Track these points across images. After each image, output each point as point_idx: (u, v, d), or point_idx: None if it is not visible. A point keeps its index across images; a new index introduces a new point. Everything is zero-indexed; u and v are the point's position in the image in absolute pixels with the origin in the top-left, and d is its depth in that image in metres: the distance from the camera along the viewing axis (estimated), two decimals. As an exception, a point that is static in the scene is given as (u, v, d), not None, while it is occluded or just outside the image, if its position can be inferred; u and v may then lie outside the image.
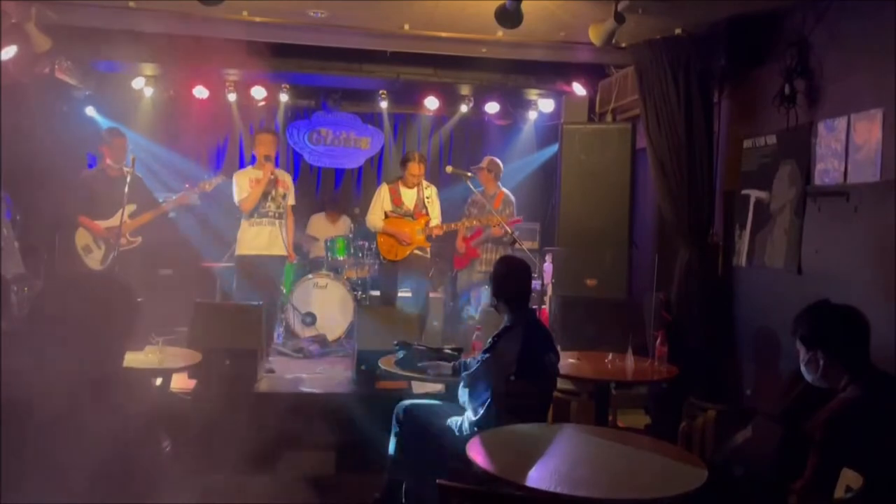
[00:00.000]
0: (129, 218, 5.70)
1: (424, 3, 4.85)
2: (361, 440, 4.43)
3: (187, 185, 6.17)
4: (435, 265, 7.44)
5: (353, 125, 8.86)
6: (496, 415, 3.37)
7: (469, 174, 6.70)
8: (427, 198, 6.46)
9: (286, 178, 6.17)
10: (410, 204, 6.42)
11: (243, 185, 5.94)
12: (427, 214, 6.44)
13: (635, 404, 5.37)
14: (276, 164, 6.15)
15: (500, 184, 6.93)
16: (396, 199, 6.44)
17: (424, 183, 6.47)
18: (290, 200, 6.14)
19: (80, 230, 5.79)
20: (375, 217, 6.46)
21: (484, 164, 6.91)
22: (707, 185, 5.05)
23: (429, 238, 6.44)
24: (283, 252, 6.01)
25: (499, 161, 7.02)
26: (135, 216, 5.78)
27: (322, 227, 8.03)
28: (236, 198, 5.96)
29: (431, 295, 6.98)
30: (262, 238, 5.96)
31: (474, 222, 6.69)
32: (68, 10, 5.13)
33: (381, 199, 6.48)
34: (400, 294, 6.57)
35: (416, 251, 6.40)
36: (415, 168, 6.37)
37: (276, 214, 5.99)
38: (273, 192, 5.97)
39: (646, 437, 3.44)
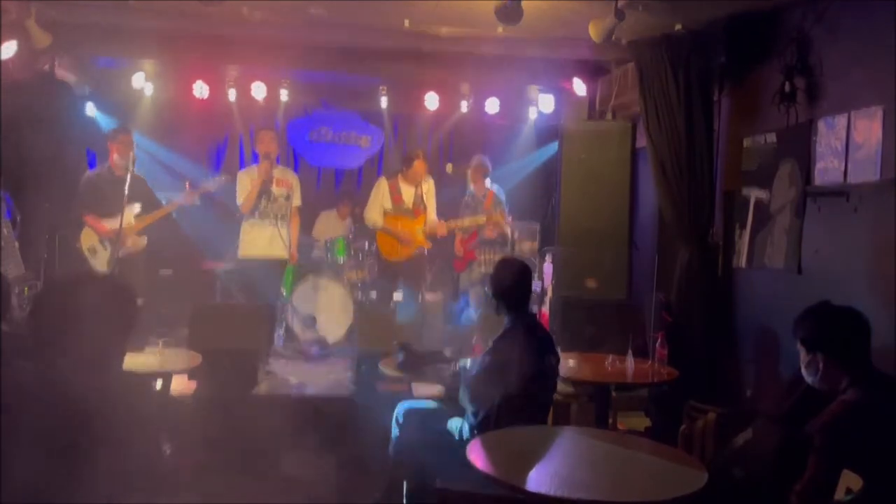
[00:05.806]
0: (134, 218, 5.67)
1: (425, 0, 4.84)
2: (361, 442, 4.41)
3: (188, 187, 6.12)
4: (435, 267, 7.44)
5: (353, 123, 8.83)
6: (496, 417, 3.37)
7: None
8: (425, 192, 6.44)
9: (289, 178, 6.05)
10: (410, 201, 6.40)
11: (245, 185, 5.89)
12: (425, 211, 6.42)
13: (635, 407, 5.36)
14: (277, 162, 6.11)
15: (488, 182, 6.95)
16: (396, 197, 6.40)
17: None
18: (296, 201, 6.03)
19: (86, 231, 5.74)
20: (375, 214, 6.41)
21: (473, 163, 6.92)
22: (707, 185, 5.04)
23: (430, 238, 6.43)
24: (282, 254, 5.95)
25: (486, 160, 7.06)
26: (140, 216, 5.74)
27: (333, 224, 7.99)
28: (238, 198, 5.92)
29: (431, 297, 6.97)
30: (262, 239, 5.90)
31: (466, 222, 6.69)
32: (68, 6, 5.13)
33: (381, 196, 6.43)
34: (394, 298, 6.57)
35: (416, 251, 6.39)
36: (420, 167, 6.35)
37: (278, 216, 5.91)
38: (271, 192, 5.90)
39: (646, 440, 3.43)
